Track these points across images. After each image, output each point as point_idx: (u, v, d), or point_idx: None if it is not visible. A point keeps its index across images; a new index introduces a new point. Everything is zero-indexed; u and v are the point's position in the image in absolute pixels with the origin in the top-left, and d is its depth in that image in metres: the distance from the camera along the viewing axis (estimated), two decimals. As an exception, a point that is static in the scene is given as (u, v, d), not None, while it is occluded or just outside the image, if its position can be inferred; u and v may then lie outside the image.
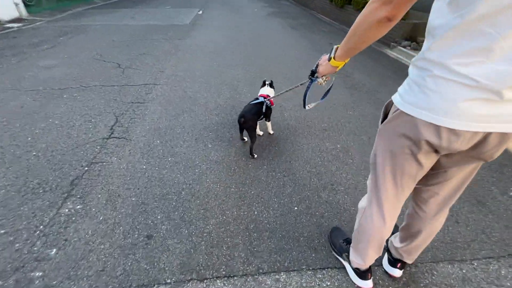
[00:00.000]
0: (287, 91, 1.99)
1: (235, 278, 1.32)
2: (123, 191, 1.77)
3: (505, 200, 1.87)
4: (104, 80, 3.41)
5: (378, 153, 0.97)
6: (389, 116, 0.89)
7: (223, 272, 1.34)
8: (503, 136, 0.75)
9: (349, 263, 1.32)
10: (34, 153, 2.09)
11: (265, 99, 2.15)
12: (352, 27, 0.87)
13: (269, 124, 2.38)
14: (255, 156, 2.15)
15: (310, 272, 1.36)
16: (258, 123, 2.18)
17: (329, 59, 1.09)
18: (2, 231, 1.49)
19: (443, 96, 0.72)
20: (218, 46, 5.05)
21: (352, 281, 1.32)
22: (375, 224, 1.07)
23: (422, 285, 1.34)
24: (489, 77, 0.66)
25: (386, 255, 1.39)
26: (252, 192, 1.82)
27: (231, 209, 1.69)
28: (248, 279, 1.31)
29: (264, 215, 1.66)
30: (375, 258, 1.21)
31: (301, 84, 1.70)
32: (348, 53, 1.00)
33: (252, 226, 1.59)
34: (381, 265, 1.40)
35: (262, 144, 2.31)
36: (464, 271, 1.41)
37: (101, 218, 1.59)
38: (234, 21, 7.46)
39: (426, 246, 1.25)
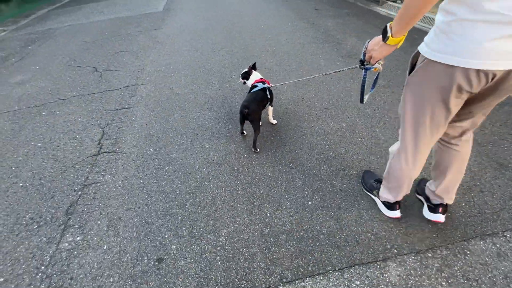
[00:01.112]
0: (313, 77, 2.04)
1: (259, 292, 1.23)
2: (124, 213, 1.65)
3: (527, 158, 1.76)
4: (82, 89, 3.17)
5: (408, 104, 1.03)
6: (417, 66, 0.93)
7: (245, 288, 1.25)
8: None
9: (379, 198, 1.48)
10: (21, 184, 1.94)
11: (266, 84, 2.04)
12: None
13: (271, 110, 2.22)
14: (258, 150, 2.01)
15: (336, 273, 1.27)
16: None
17: (386, 39, 0.95)
18: (1, 279, 1.38)
19: (469, 38, 0.75)
20: (198, 30, 4.70)
21: (382, 213, 1.49)
22: (403, 168, 1.20)
23: (456, 268, 1.25)
24: None
25: (425, 204, 1.45)
26: (261, 192, 1.70)
27: (242, 214, 1.57)
28: (273, 292, 1.23)
29: (277, 216, 1.55)
30: (404, 195, 1.36)
31: (335, 72, 1.60)
32: (409, 23, 0.87)
33: (267, 230, 1.48)
34: (411, 252, 1.31)
35: (262, 136, 2.15)
36: (498, 245, 1.32)
37: (105, 248, 1.47)
38: (210, 0, 6.96)
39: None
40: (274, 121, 2.27)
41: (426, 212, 1.42)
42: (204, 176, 1.85)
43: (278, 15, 5.05)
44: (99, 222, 1.61)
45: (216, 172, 1.87)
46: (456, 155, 1.21)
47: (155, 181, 1.84)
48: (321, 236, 1.43)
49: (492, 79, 0.82)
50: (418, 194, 1.54)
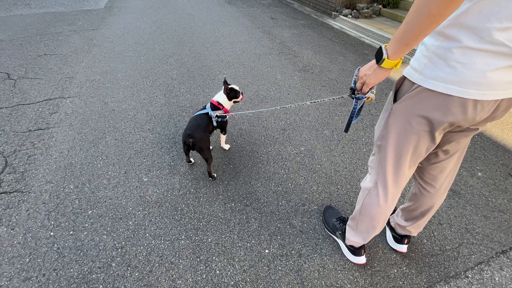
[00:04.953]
0: (299, 104, 1.78)
1: None
2: (19, 286, 1.21)
3: (475, 184, 1.78)
4: (-15, 102, 2.51)
5: (391, 134, 0.93)
6: (406, 94, 0.84)
7: None
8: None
9: (343, 241, 1.36)
10: None
11: (216, 113, 1.67)
12: (414, 7, 0.66)
13: (223, 138, 1.94)
14: (215, 176, 1.76)
15: None
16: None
17: (381, 61, 0.81)
18: None
19: (472, 67, 0.70)
20: (144, 34, 4.22)
21: (346, 258, 1.35)
22: (381, 205, 1.05)
23: (425, 323, 1.14)
24: None
25: (389, 233, 1.42)
26: (209, 240, 1.42)
27: (184, 274, 1.27)
28: None
29: (229, 273, 1.28)
30: (375, 235, 1.21)
31: (311, 102, 1.44)
32: (408, 44, 0.73)
33: (215, 295, 1.20)
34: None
35: (213, 164, 1.87)
36: (461, 289, 1.25)
37: None
38: (160, 0, 6.43)
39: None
40: (227, 146, 2.01)
41: (391, 241, 1.41)
42: (138, 222, 1.49)
43: (233, 23, 4.82)
44: (-21, 303, 1.16)
45: (154, 215, 1.53)
46: (441, 197, 1.16)
47: (71, 232, 1.43)
48: (280, 297, 1.20)
49: (482, 112, 0.77)
50: None
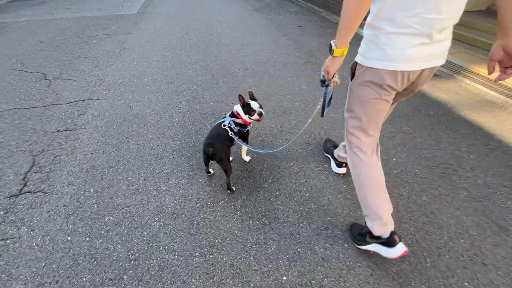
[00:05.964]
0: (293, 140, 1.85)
1: None
2: (33, 290, 1.21)
3: (526, 219, 1.57)
4: (22, 100, 2.64)
5: (352, 105, 1.21)
6: (356, 73, 1.12)
7: None
8: (432, 70, 1.04)
9: (375, 240, 1.28)
10: None
11: (229, 124, 1.60)
12: (343, 6, 0.93)
13: (245, 149, 1.87)
14: (234, 190, 1.69)
15: None
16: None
17: (332, 52, 1.07)
18: None
19: (395, 47, 0.96)
20: (172, 39, 4.31)
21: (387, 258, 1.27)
22: (364, 160, 1.24)
23: None
24: (424, 24, 0.91)
25: (332, 162, 1.85)
26: (224, 260, 1.34)
27: (196, 296, 1.20)
28: None
29: (242, 299, 1.19)
30: (389, 212, 1.25)
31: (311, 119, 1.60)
32: (346, 34, 1.00)
33: (227, 323, 1.12)
34: None
35: (232, 176, 1.80)
36: None
37: None
38: (190, 6, 6.60)
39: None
40: (248, 158, 1.94)
41: (334, 167, 1.85)
42: (153, 233, 1.45)
43: (260, 30, 4.80)
44: (-6, 305, 1.16)
45: (169, 227, 1.48)
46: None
47: (87, 238, 1.42)
48: (298, 334, 1.09)
49: (410, 79, 1.03)
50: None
